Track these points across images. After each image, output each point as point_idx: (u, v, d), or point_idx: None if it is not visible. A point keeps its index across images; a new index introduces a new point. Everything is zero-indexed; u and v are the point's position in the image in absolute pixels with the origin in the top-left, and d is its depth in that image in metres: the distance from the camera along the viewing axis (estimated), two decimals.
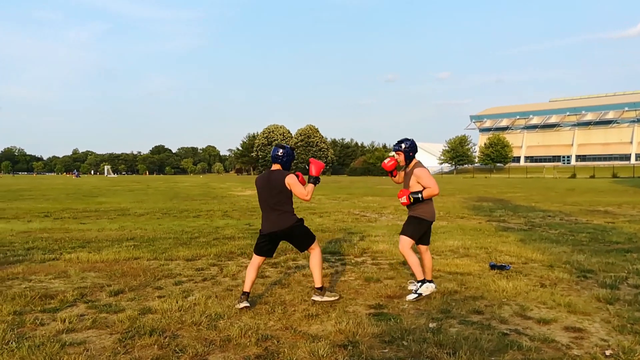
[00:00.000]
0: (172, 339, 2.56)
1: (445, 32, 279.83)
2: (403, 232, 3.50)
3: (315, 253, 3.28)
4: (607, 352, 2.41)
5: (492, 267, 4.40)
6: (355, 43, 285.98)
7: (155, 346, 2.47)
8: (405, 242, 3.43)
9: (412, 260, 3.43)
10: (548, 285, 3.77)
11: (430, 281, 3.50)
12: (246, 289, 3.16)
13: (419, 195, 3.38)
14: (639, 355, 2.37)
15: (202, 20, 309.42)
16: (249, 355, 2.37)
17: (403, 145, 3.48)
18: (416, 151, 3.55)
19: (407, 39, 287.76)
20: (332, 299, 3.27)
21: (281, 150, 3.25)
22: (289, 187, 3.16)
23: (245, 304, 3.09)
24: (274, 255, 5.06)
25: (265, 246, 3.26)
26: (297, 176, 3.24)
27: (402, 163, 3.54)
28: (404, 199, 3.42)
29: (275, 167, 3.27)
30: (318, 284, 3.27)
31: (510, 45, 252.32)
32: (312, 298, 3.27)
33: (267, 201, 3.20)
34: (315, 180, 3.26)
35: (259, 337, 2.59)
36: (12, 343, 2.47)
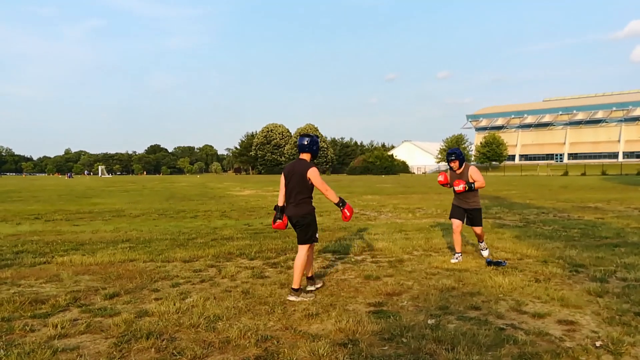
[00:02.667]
0: (169, 342, 2.53)
1: (445, 32, 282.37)
2: (479, 223, 4.60)
3: (301, 254, 3.34)
4: (597, 344, 2.47)
5: (489, 263, 4.45)
6: (356, 42, 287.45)
7: (153, 349, 2.44)
8: (482, 229, 4.68)
9: (483, 232, 4.74)
10: (542, 280, 3.83)
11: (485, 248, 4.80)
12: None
13: (473, 185, 4.45)
14: (627, 346, 2.43)
15: (203, 18, 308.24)
16: (248, 357, 2.36)
17: (454, 156, 4.47)
18: (464, 157, 4.58)
19: (407, 39, 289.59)
20: (308, 299, 3.31)
21: (307, 139, 3.42)
22: (309, 179, 3.30)
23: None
24: (275, 255, 5.09)
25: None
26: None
27: (457, 168, 4.52)
28: (460, 187, 4.43)
29: (304, 156, 3.43)
30: (295, 285, 3.33)
31: (507, 46, 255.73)
32: (288, 297, 3.32)
33: (289, 188, 3.38)
34: (339, 204, 3.38)
35: (259, 338, 2.58)
36: (0, 351, 2.39)
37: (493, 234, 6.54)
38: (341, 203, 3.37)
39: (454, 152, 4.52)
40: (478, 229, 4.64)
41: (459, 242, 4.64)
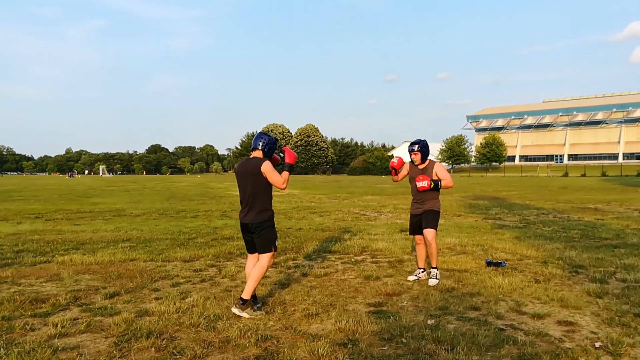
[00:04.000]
0: (169, 341, 2.54)
1: (444, 33, 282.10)
2: (430, 226, 3.81)
3: (263, 263, 2.96)
4: (597, 344, 2.47)
5: (488, 264, 4.45)
6: (356, 43, 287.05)
7: (153, 349, 2.44)
8: (434, 233, 3.83)
9: (436, 248, 3.87)
10: (542, 280, 3.84)
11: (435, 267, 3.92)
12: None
13: (439, 183, 3.79)
14: (627, 347, 2.43)
15: (204, 18, 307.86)
16: (248, 356, 2.36)
17: (416, 147, 3.84)
18: (429, 150, 3.90)
19: (407, 40, 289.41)
20: (256, 315, 2.90)
21: (263, 139, 3.06)
22: (264, 175, 2.92)
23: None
24: (275, 255, 5.04)
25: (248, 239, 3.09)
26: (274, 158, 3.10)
27: (418, 162, 3.87)
28: (424, 183, 3.73)
29: (256, 153, 3.06)
30: (246, 295, 2.91)
31: (507, 47, 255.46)
32: (232, 309, 2.93)
33: (245, 190, 3.00)
34: (290, 168, 3.07)
35: (259, 338, 2.59)
36: (0, 350, 2.40)
37: (493, 234, 6.54)
38: (287, 165, 3.04)
39: (417, 142, 3.79)
40: (428, 233, 3.72)
41: (422, 255, 3.90)
